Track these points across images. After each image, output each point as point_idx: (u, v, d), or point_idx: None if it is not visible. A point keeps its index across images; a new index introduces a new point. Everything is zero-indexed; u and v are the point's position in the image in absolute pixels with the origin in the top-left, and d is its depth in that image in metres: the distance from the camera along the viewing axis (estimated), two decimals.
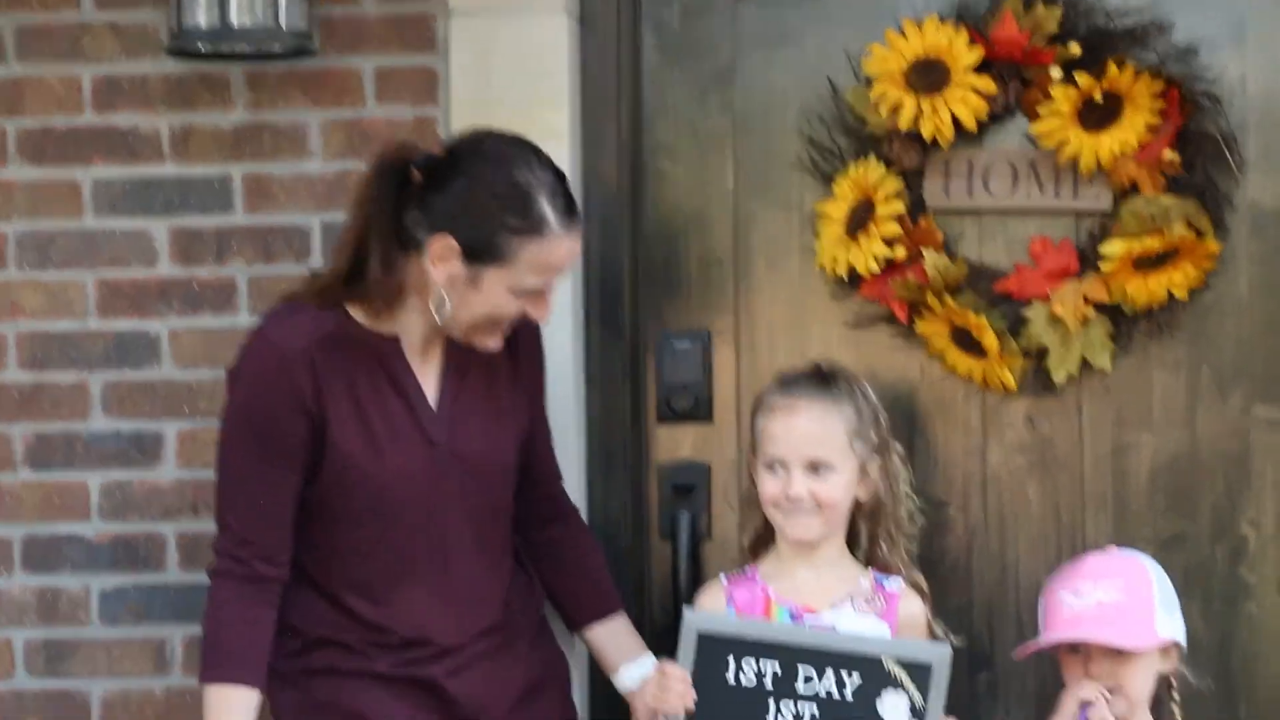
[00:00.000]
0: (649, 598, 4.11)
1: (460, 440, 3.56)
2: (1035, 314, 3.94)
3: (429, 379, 3.57)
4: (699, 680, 3.49)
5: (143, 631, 4.06)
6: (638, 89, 4.10)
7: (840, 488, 3.60)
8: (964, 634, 3.80)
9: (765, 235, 4.09)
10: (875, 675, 3.45)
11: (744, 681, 3.48)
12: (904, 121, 3.90)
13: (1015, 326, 3.96)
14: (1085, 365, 3.96)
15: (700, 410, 4.11)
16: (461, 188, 3.42)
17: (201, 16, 3.83)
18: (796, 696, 3.47)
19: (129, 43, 4.04)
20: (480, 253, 3.41)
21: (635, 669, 3.78)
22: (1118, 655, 3.54)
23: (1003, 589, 4.05)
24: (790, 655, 3.47)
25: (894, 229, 3.93)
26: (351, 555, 3.54)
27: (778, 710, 3.47)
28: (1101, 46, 3.88)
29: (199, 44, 3.88)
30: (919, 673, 3.44)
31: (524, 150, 3.47)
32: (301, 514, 3.53)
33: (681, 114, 4.10)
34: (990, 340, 3.92)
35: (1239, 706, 4.01)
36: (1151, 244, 3.86)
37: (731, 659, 3.49)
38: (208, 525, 3.58)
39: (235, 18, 3.83)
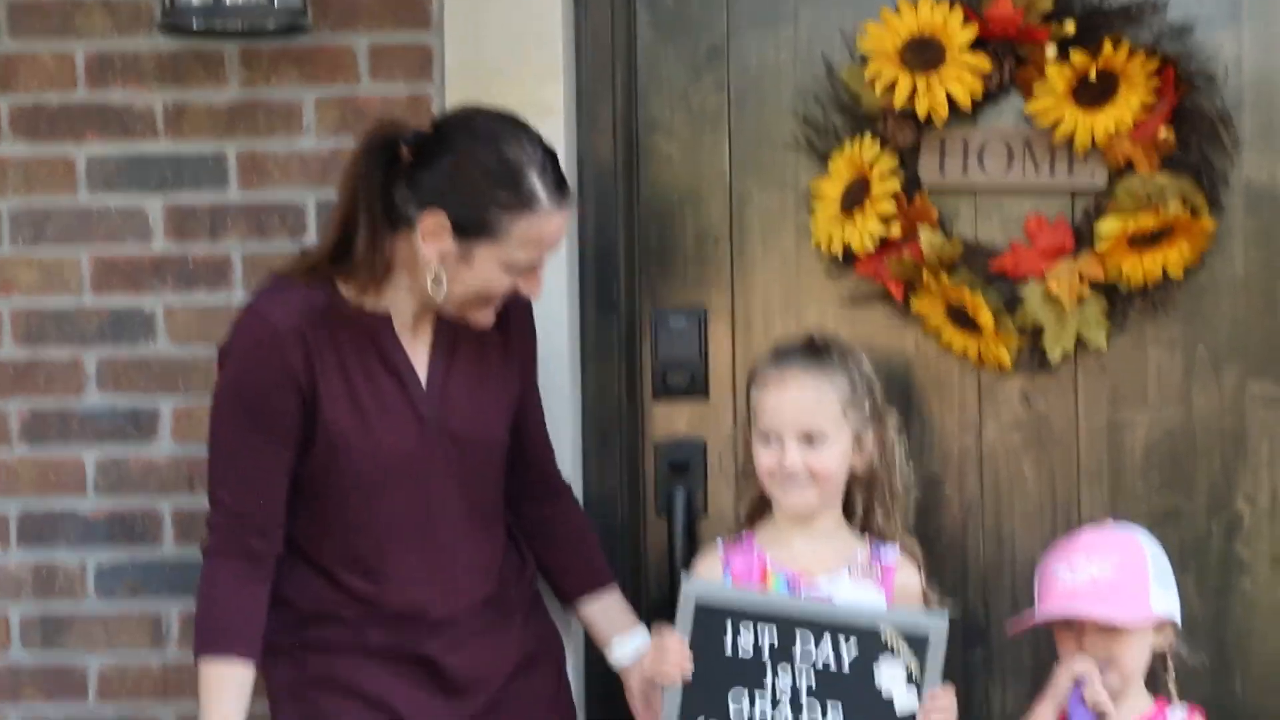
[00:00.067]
0: (645, 574, 4.12)
1: (451, 416, 3.56)
2: (1030, 292, 3.94)
3: (419, 356, 3.57)
4: (696, 649, 3.49)
5: (139, 606, 4.07)
6: (632, 66, 4.09)
7: (835, 458, 3.61)
8: (959, 609, 3.81)
9: (760, 213, 4.08)
10: (872, 644, 3.46)
11: (741, 650, 3.49)
12: (899, 100, 3.89)
13: (1011, 304, 3.96)
14: (1080, 343, 3.96)
15: (696, 387, 4.11)
16: (451, 164, 3.43)
17: None
18: (793, 665, 3.47)
19: (122, 19, 4.03)
20: (471, 229, 3.42)
21: (628, 643, 3.79)
22: (1111, 630, 3.53)
23: (998, 565, 4.06)
24: (788, 624, 3.48)
25: (889, 207, 3.92)
26: (344, 530, 3.55)
27: (774, 679, 3.48)
28: (1097, 25, 3.87)
29: (192, 20, 3.88)
30: (916, 642, 3.45)
31: (513, 126, 3.48)
32: (293, 489, 3.53)
33: (676, 91, 4.09)
34: (986, 318, 3.92)
35: (1234, 681, 4.02)
36: (1147, 222, 3.86)
37: (729, 628, 3.49)
38: (203, 501, 3.57)
39: None
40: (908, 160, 3.97)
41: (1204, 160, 3.89)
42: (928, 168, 3.99)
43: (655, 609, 4.02)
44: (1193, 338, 4.00)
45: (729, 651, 3.49)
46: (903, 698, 3.45)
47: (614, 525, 4.08)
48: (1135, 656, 3.56)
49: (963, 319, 3.95)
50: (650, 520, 4.13)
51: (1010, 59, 3.91)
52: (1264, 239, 3.97)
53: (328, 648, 3.57)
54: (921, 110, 3.89)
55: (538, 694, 3.70)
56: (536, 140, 3.47)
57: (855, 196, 3.95)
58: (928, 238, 3.92)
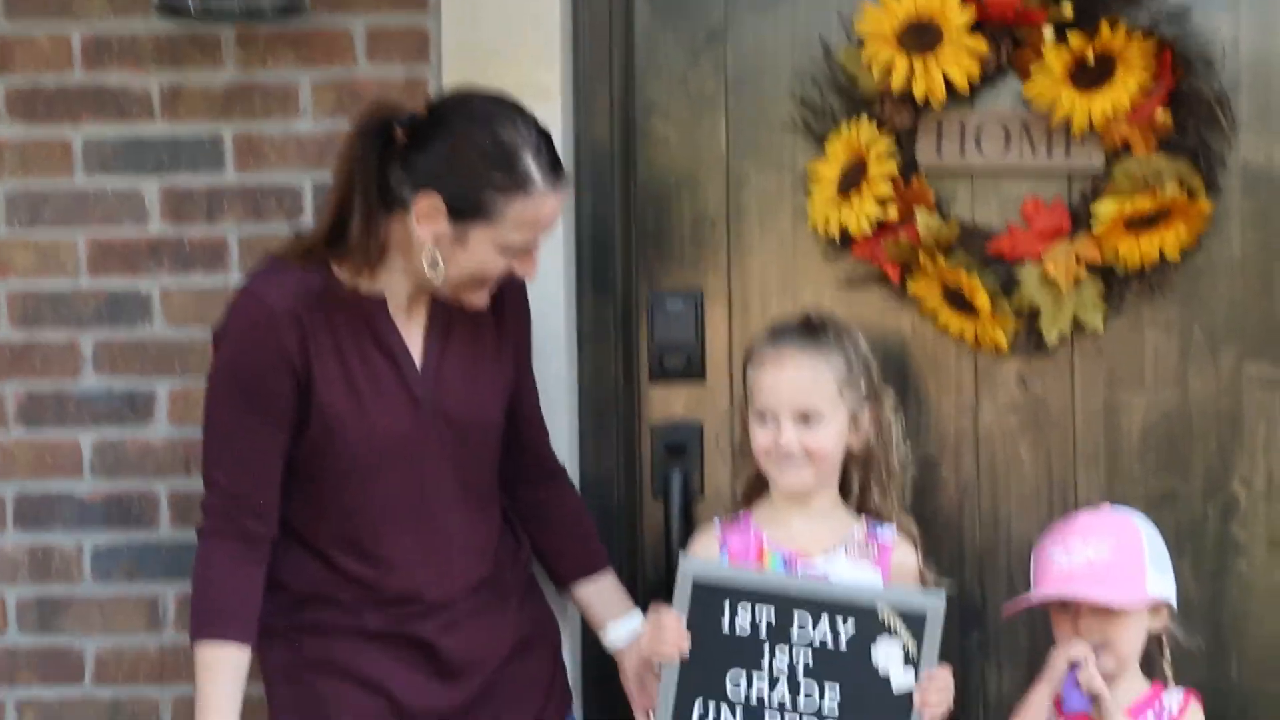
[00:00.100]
0: (642, 557, 4.12)
1: (445, 398, 3.56)
2: (1027, 274, 3.94)
3: (414, 338, 3.57)
4: (694, 627, 3.50)
5: (136, 589, 4.07)
6: (629, 49, 4.09)
7: (831, 437, 3.61)
8: (956, 592, 3.80)
9: (757, 195, 4.08)
10: (870, 623, 3.46)
11: (739, 629, 3.49)
12: (896, 82, 3.89)
13: (1007, 287, 3.96)
14: (1077, 325, 3.96)
15: (693, 370, 4.11)
16: (446, 146, 3.42)
17: None
18: (791, 644, 3.48)
19: (118, 2, 4.03)
20: (466, 211, 3.42)
21: (623, 626, 3.80)
22: (1107, 613, 3.54)
23: (994, 548, 4.06)
24: (785, 603, 3.48)
25: (886, 189, 3.92)
26: (339, 512, 3.55)
27: (772, 657, 3.48)
28: (1094, 7, 3.86)
29: (189, 3, 3.88)
30: (913, 621, 3.45)
31: (508, 108, 3.48)
32: (288, 472, 3.53)
33: (674, 74, 4.09)
34: (982, 300, 3.92)
35: (1230, 664, 4.02)
36: (1143, 204, 3.86)
37: (727, 606, 3.50)
38: (200, 483, 3.57)
39: None
40: (905, 142, 3.97)
41: (1201, 142, 3.89)
42: (925, 150, 3.98)
43: (652, 592, 4.01)
44: (1189, 320, 4.00)
45: (726, 630, 3.49)
46: (900, 677, 3.46)
47: (610, 508, 4.08)
48: (1131, 639, 3.58)
49: (959, 301, 3.95)
50: (647, 503, 4.13)
51: (1008, 41, 3.91)
52: (1261, 221, 3.98)
53: (323, 630, 3.57)
54: (919, 92, 3.89)
55: (533, 677, 3.70)
56: (531, 122, 3.47)
57: (852, 179, 3.95)
58: (924, 220, 3.92)
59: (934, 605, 3.46)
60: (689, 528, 3.98)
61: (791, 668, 3.48)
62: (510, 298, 3.66)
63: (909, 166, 3.97)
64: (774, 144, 4.07)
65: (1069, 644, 3.54)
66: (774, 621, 3.49)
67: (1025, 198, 3.98)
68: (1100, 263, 3.91)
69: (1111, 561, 3.57)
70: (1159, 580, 3.61)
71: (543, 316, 3.88)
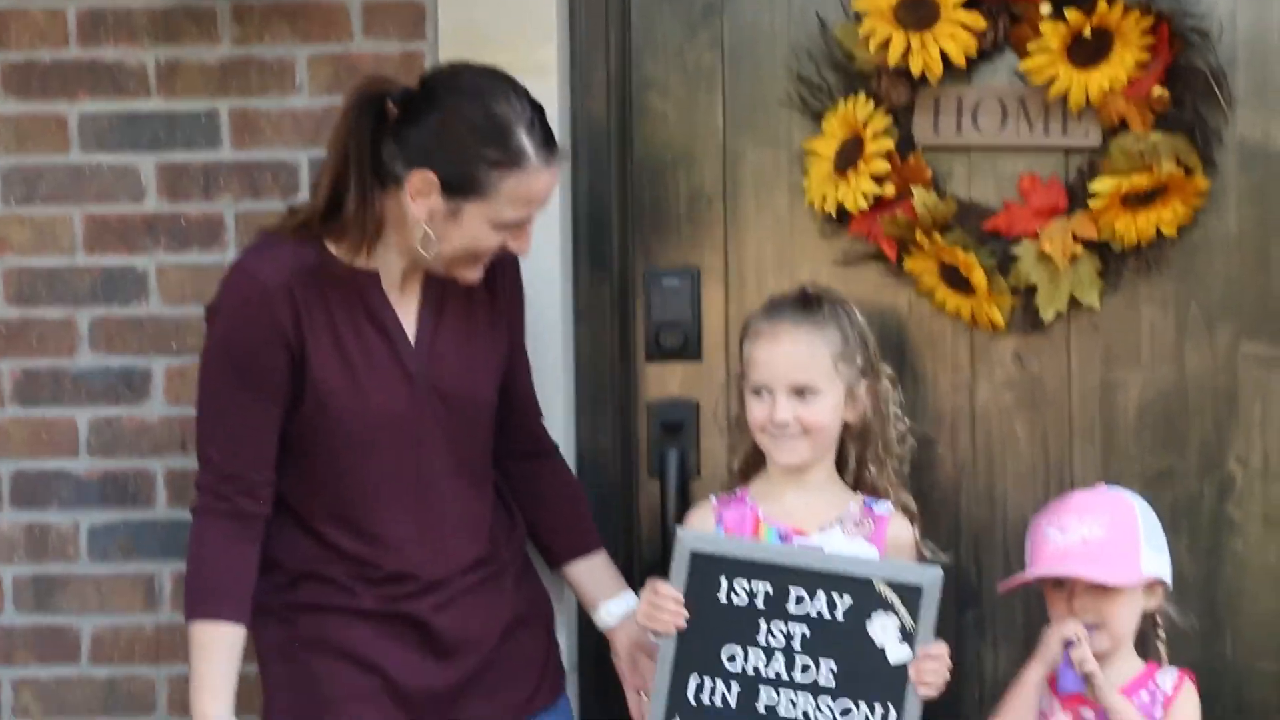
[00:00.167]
0: (638, 535, 4.12)
1: (439, 375, 3.56)
2: (1024, 251, 3.93)
3: (407, 314, 3.57)
4: (691, 599, 3.50)
5: (132, 567, 4.07)
6: (626, 25, 4.08)
7: (826, 411, 3.61)
8: (951, 570, 3.79)
9: (754, 172, 4.08)
10: (866, 597, 3.46)
11: (736, 601, 3.49)
12: (893, 58, 3.88)
13: (1004, 264, 3.95)
14: (1074, 302, 3.95)
15: (689, 348, 4.11)
16: (438, 121, 3.42)
17: None
18: (787, 617, 3.48)
19: None
20: (459, 186, 3.41)
21: (615, 605, 3.80)
22: (1102, 591, 3.54)
23: (990, 525, 4.06)
24: (782, 576, 3.48)
25: (883, 166, 3.92)
26: (333, 489, 3.55)
27: (768, 630, 3.48)
28: None
29: None
30: (910, 595, 3.45)
31: (501, 83, 3.47)
32: (283, 449, 3.53)
33: (671, 50, 4.08)
34: (979, 278, 3.91)
35: (1225, 643, 4.02)
36: (1140, 181, 3.85)
37: (724, 579, 3.50)
38: (196, 461, 3.56)
39: None
40: (901, 119, 3.96)
41: (1198, 118, 3.88)
42: (921, 126, 3.98)
43: (648, 570, 4.00)
44: (1186, 297, 4.00)
45: (723, 601, 3.49)
46: (896, 651, 3.46)
47: (607, 486, 4.08)
48: (1125, 618, 3.58)
49: (956, 278, 3.94)
50: (643, 481, 4.13)
51: (1004, 17, 3.90)
52: (1258, 197, 3.97)
53: (318, 609, 3.56)
54: (915, 68, 3.88)
55: (528, 656, 3.70)
56: (524, 96, 3.46)
57: (849, 156, 3.94)
58: (921, 197, 3.92)
59: (930, 579, 3.46)
60: (685, 506, 3.97)
61: (788, 641, 3.48)
62: (504, 274, 3.66)
63: (906, 143, 3.96)
64: (771, 120, 4.06)
65: (1062, 623, 3.54)
66: (771, 594, 3.48)
67: (1022, 175, 3.97)
68: (1097, 240, 3.91)
69: (1106, 540, 3.57)
70: (1154, 559, 3.60)
71: (538, 294, 3.88)
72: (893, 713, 3.45)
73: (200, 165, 4.03)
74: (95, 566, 4.08)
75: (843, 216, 3.99)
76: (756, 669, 3.48)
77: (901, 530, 3.65)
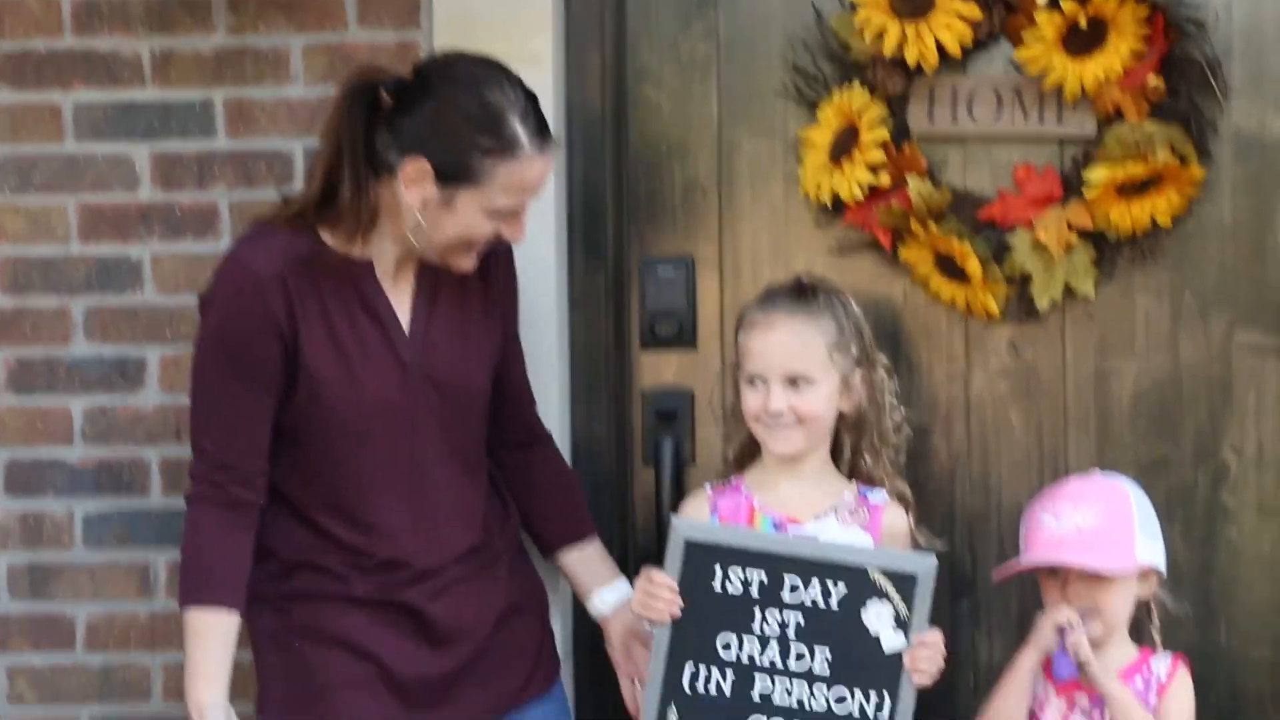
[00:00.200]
0: (632, 524, 4.12)
1: (433, 363, 3.56)
2: (1019, 241, 3.93)
3: (401, 303, 3.56)
4: (685, 588, 3.50)
5: (126, 555, 4.07)
6: (621, 14, 4.08)
7: (820, 401, 3.61)
8: (946, 559, 3.80)
9: (749, 162, 4.08)
10: (860, 585, 3.46)
11: (730, 590, 3.49)
12: (888, 47, 3.88)
13: (999, 253, 3.95)
14: (1068, 292, 3.96)
15: (684, 336, 4.11)
16: (432, 110, 3.42)
17: None
18: (782, 605, 3.48)
19: None
20: (453, 174, 3.41)
21: (609, 593, 3.80)
22: (1096, 579, 3.55)
23: (985, 514, 4.07)
24: (776, 564, 3.48)
25: (878, 155, 3.91)
26: (327, 478, 3.55)
27: (763, 619, 3.48)
28: None
29: None
30: (904, 583, 3.45)
31: (494, 71, 3.46)
32: (277, 438, 3.53)
33: (665, 39, 4.08)
34: (974, 267, 3.92)
35: (1219, 630, 4.02)
36: (1135, 170, 3.85)
37: (718, 567, 3.49)
38: (190, 450, 3.56)
39: None
40: (896, 109, 3.96)
41: (1193, 108, 3.88)
42: (916, 116, 3.98)
43: (643, 559, 4.00)
44: (1180, 286, 4.00)
45: (718, 590, 3.49)
46: (891, 639, 3.46)
47: (601, 475, 4.08)
48: (1119, 605, 3.58)
49: (951, 268, 3.94)
50: (638, 470, 4.13)
51: (1000, 6, 3.90)
52: (1253, 187, 3.97)
53: (312, 597, 3.56)
54: (911, 58, 3.88)
55: (522, 645, 3.70)
56: (517, 84, 3.46)
57: (844, 145, 3.94)
58: (916, 186, 3.92)
59: (925, 567, 3.46)
60: (680, 495, 3.98)
61: (782, 629, 3.48)
62: (497, 263, 3.65)
63: (901, 133, 3.96)
64: (766, 110, 4.06)
65: (1056, 610, 3.55)
66: (765, 582, 3.49)
67: (1017, 164, 3.97)
68: (1092, 229, 3.91)
69: (1101, 528, 3.57)
70: (1148, 546, 3.61)
71: (534, 283, 3.88)
72: (887, 701, 3.45)
73: (195, 155, 4.03)
74: (90, 554, 4.08)
75: (838, 206, 3.99)
76: (751, 657, 3.48)
77: (896, 519, 3.65)
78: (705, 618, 3.50)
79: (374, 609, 3.55)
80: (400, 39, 3.97)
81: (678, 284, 4.10)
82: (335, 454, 3.53)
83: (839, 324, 3.63)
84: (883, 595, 3.46)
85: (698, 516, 3.66)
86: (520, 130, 3.42)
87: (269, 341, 3.47)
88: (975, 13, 3.87)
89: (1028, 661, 3.57)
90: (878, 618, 3.46)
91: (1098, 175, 3.86)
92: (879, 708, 3.45)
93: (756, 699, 3.48)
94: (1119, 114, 3.89)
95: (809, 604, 3.47)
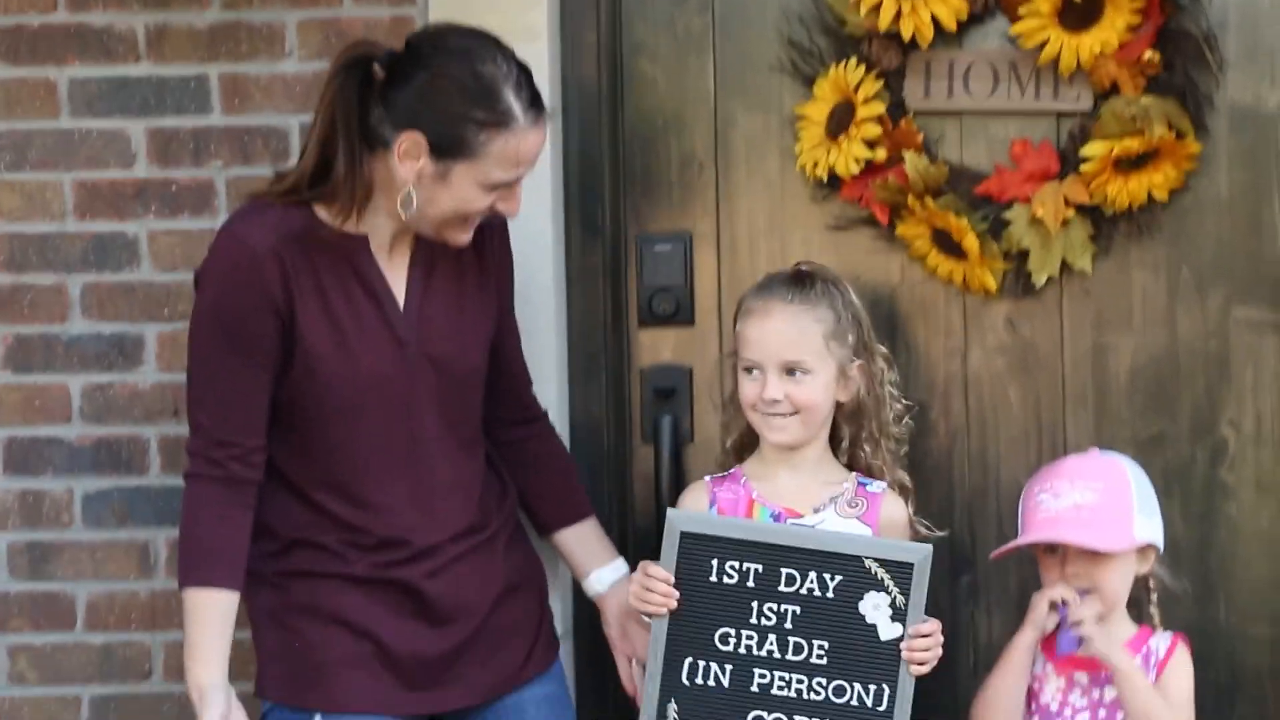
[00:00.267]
0: (631, 502, 4.12)
1: (429, 340, 3.55)
2: (1016, 216, 3.93)
3: (397, 278, 3.55)
4: (681, 580, 3.49)
5: (126, 534, 4.07)
6: None
7: (817, 390, 3.60)
8: (945, 536, 3.80)
9: (745, 137, 4.07)
10: (857, 576, 3.45)
11: (727, 581, 3.49)
12: (883, 22, 3.87)
13: (996, 229, 3.94)
14: (1065, 267, 3.95)
15: (682, 313, 4.10)
16: (425, 82, 3.40)
17: None
18: (779, 597, 3.47)
19: None
20: (448, 148, 3.40)
21: (606, 573, 3.80)
22: (1094, 557, 3.54)
23: (984, 491, 4.06)
24: (773, 555, 3.48)
25: (874, 131, 3.90)
26: (324, 455, 3.54)
27: (760, 611, 3.48)
28: None
29: None
30: (900, 572, 3.44)
31: (486, 43, 3.45)
32: (273, 414, 3.52)
33: (661, 14, 4.07)
34: (971, 242, 3.91)
35: (1218, 607, 4.02)
36: (1132, 145, 3.84)
37: (715, 559, 3.49)
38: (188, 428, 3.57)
39: None
40: (893, 83, 3.95)
41: (1189, 82, 3.87)
42: (913, 91, 3.97)
43: (642, 537, 4.03)
44: (1177, 261, 3.99)
45: (714, 581, 3.48)
46: (887, 629, 3.45)
47: (600, 453, 4.08)
48: (1118, 582, 3.58)
49: (948, 243, 3.93)
50: (637, 448, 4.13)
51: None
52: (1249, 160, 3.96)
53: (310, 575, 3.55)
54: (906, 32, 3.87)
55: (521, 623, 3.69)
56: (510, 56, 3.45)
57: (840, 120, 3.93)
58: (913, 161, 3.91)
59: (921, 556, 3.45)
60: (679, 472, 3.98)
61: (780, 620, 3.47)
62: (492, 237, 3.64)
63: (897, 108, 3.96)
64: (762, 85, 4.05)
65: (1051, 589, 3.55)
66: (761, 574, 3.48)
67: (1013, 139, 3.96)
68: (1088, 204, 3.90)
69: (1098, 505, 3.57)
70: (1146, 524, 3.60)
71: (530, 260, 3.88)
72: (886, 690, 3.45)
73: (190, 130, 4.02)
74: (89, 533, 4.07)
75: (834, 181, 3.98)
76: (749, 649, 3.48)
77: (895, 509, 3.64)
78: (702, 610, 3.49)
79: (372, 587, 3.54)
80: (395, 14, 3.97)
81: (675, 260, 4.09)
82: (331, 430, 3.53)
83: (836, 313, 3.62)
84: (879, 585, 3.45)
85: (697, 508, 3.66)
86: (514, 102, 3.41)
87: (265, 316, 3.46)
88: None
89: (1025, 640, 3.57)
90: (874, 608, 3.46)
91: (1094, 150, 3.85)
92: (878, 698, 3.45)
93: (755, 690, 3.48)
94: (1115, 88, 3.88)
95: (806, 595, 3.47)
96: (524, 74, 3.44)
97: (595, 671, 4.02)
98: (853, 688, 3.45)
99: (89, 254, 4.05)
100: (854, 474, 3.67)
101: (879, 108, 3.90)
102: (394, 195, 3.46)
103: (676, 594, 3.49)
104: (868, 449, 3.69)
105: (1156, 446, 3.99)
